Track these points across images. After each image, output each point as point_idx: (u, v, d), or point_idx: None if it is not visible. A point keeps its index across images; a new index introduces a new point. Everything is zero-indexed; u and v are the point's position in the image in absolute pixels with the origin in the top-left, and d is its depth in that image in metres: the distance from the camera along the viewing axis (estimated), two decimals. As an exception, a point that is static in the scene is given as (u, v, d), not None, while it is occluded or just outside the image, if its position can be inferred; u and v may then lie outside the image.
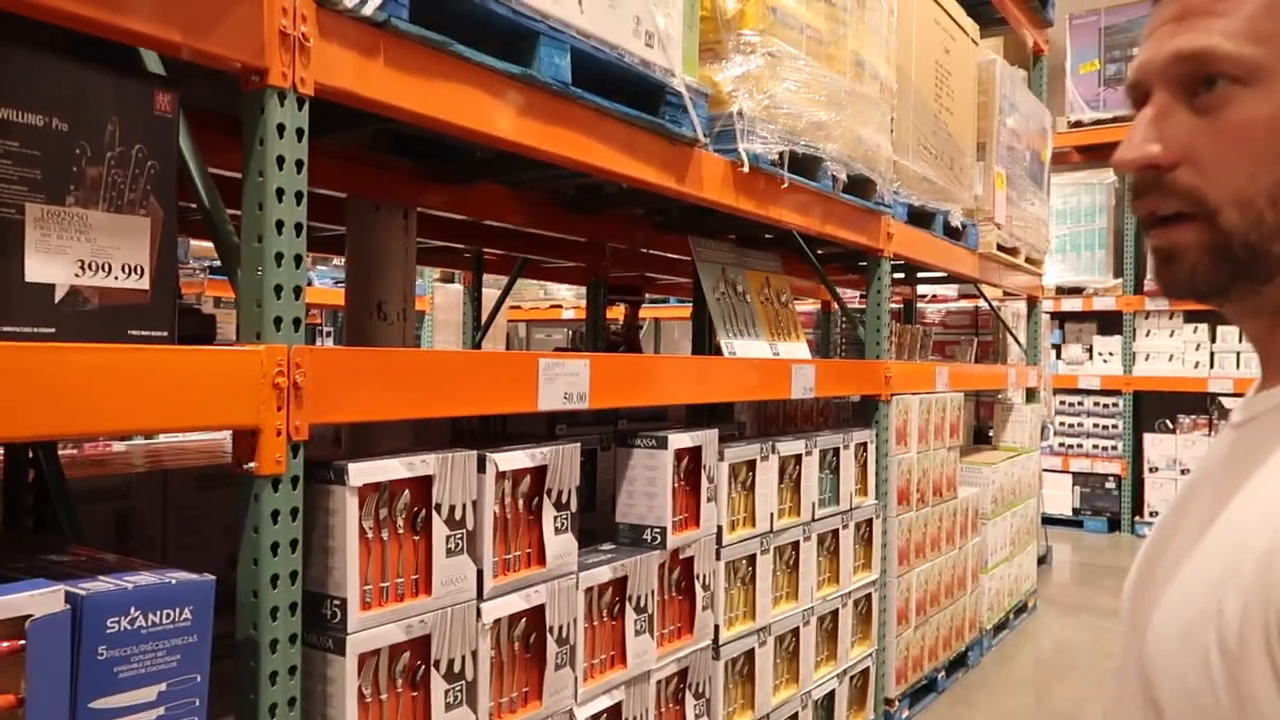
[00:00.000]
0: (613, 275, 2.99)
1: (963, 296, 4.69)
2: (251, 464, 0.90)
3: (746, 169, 1.58)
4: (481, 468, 1.14)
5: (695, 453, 1.54)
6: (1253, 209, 0.54)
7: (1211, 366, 5.02)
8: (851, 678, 2.15)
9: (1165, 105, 0.57)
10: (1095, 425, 5.36)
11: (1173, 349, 5.15)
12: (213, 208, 0.97)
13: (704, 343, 2.79)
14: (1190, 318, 5.13)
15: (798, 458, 1.89)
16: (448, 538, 1.10)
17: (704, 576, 1.56)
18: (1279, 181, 0.53)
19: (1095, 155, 5.25)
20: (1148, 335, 5.24)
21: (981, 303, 4.18)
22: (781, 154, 1.69)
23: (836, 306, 3.68)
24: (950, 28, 2.60)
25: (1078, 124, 5.41)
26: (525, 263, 3.00)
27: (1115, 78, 5.33)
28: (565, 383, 1.26)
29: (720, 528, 1.61)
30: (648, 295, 3.86)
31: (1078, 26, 5.46)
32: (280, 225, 0.91)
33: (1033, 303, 3.90)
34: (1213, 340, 5.05)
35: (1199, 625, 0.53)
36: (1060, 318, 5.48)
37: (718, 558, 1.61)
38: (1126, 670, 0.60)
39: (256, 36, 0.88)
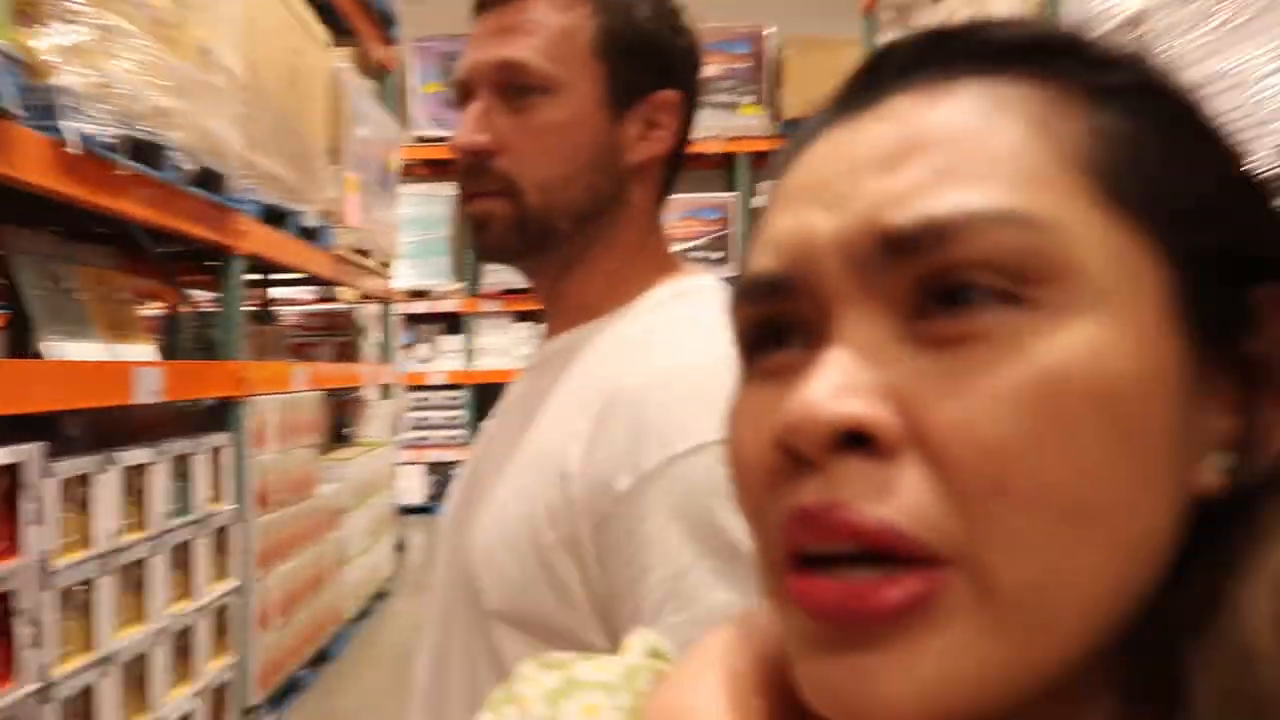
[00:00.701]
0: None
1: (321, 300, 4.75)
2: None
3: (76, 150, 1.42)
4: None
5: (12, 470, 1.34)
6: (547, 194, 0.71)
7: (535, 362, 5.83)
8: (213, 692, 2.06)
9: (489, 103, 0.72)
10: (443, 417, 5.85)
11: (506, 345, 5.86)
12: None
13: (26, 349, 2.40)
14: (520, 317, 5.89)
15: (143, 468, 1.75)
16: None
17: (28, 611, 1.37)
18: (565, 174, 0.71)
19: (439, 170, 5.72)
20: (485, 334, 5.88)
21: (339, 304, 4.29)
22: (120, 138, 1.55)
23: (187, 308, 3.45)
24: (301, 31, 2.63)
25: (423, 139, 5.83)
26: None
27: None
28: None
29: (47, 553, 1.43)
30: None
31: (422, 49, 5.87)
32: None
33: (386, 304, 4.12)
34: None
35: (516, 525, 0.67)
36: (411, 319, 5.86)
37: (46, 587, 1.42)
38: (450, 576, 0.74)
39: None
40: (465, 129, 0.71)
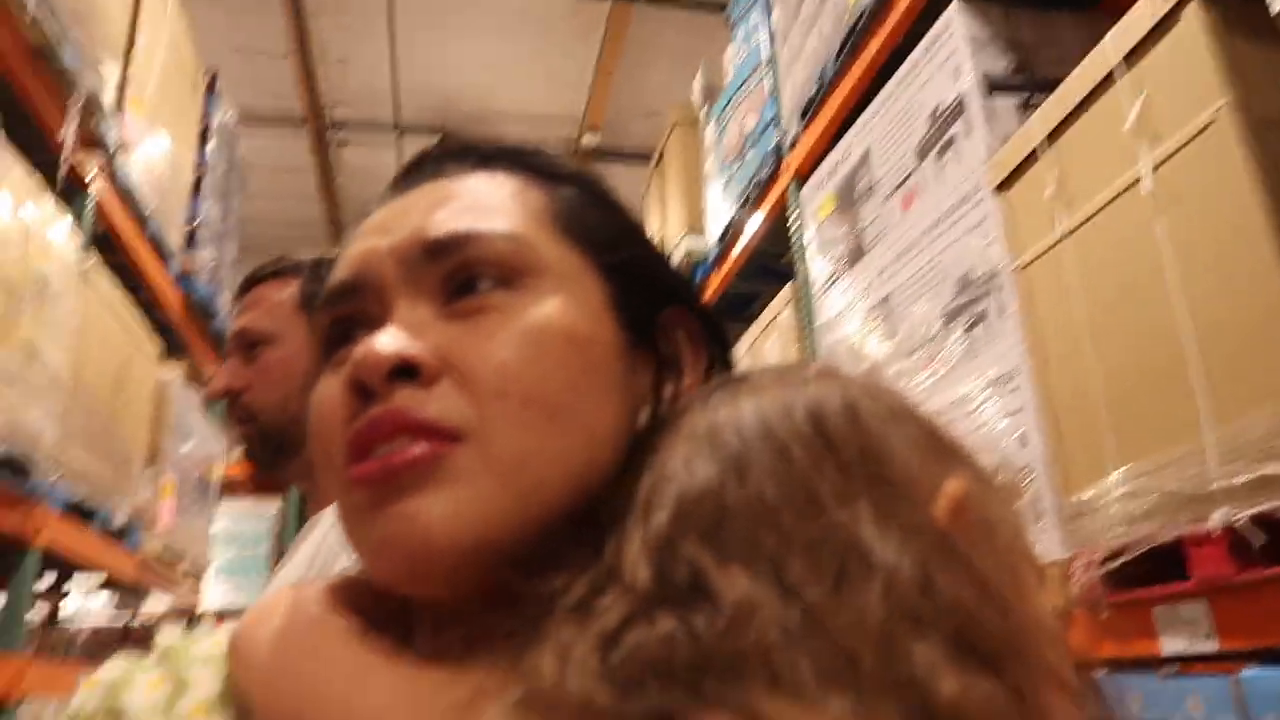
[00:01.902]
0: None
1: (119, 616, 4.45)
2: None
3: (-117, 425, 1.48)
4: None
5: None
6: (282, 413, 0.91)
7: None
8: None
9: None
10: None
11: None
12: None
13: None
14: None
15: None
16: None
17: None
18: (286, 396, 0.93)
19: (262, 486, 5.68)
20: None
21: (134, 621, 4.04)
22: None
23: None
24: (134, 344, 2.77)
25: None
26: None
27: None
28: None
29: None
30: None
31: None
32: None
33: (192, 621, 3.92)
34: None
35: None
36: (219, 645, 5.49)
37: None
38: None
39: None
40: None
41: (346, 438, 0.40)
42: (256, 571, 5.61)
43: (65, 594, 3.61)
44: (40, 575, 2.32)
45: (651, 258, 0.49)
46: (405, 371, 0.39)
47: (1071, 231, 1.27)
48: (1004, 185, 1.46)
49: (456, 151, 0.48)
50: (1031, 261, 1.37)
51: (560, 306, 0.42)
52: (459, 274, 0.42)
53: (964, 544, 0.35)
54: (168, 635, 0.46)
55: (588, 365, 0.42)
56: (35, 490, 2.09)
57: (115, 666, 0.44)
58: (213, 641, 0.44)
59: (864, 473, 0.35)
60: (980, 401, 1.51)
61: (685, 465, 0.37)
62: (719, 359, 0.49)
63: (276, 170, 6.10)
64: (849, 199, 2.19)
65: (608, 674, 0.31)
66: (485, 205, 0.44)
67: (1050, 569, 1.21)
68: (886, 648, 0.30)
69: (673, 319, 0.48)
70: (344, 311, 0.44)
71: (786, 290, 2.65)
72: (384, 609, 0.42)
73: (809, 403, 0.38)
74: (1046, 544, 1.26)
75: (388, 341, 0.39)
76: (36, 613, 3.03)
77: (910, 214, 1.88)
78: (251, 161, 4.53)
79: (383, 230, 0.44)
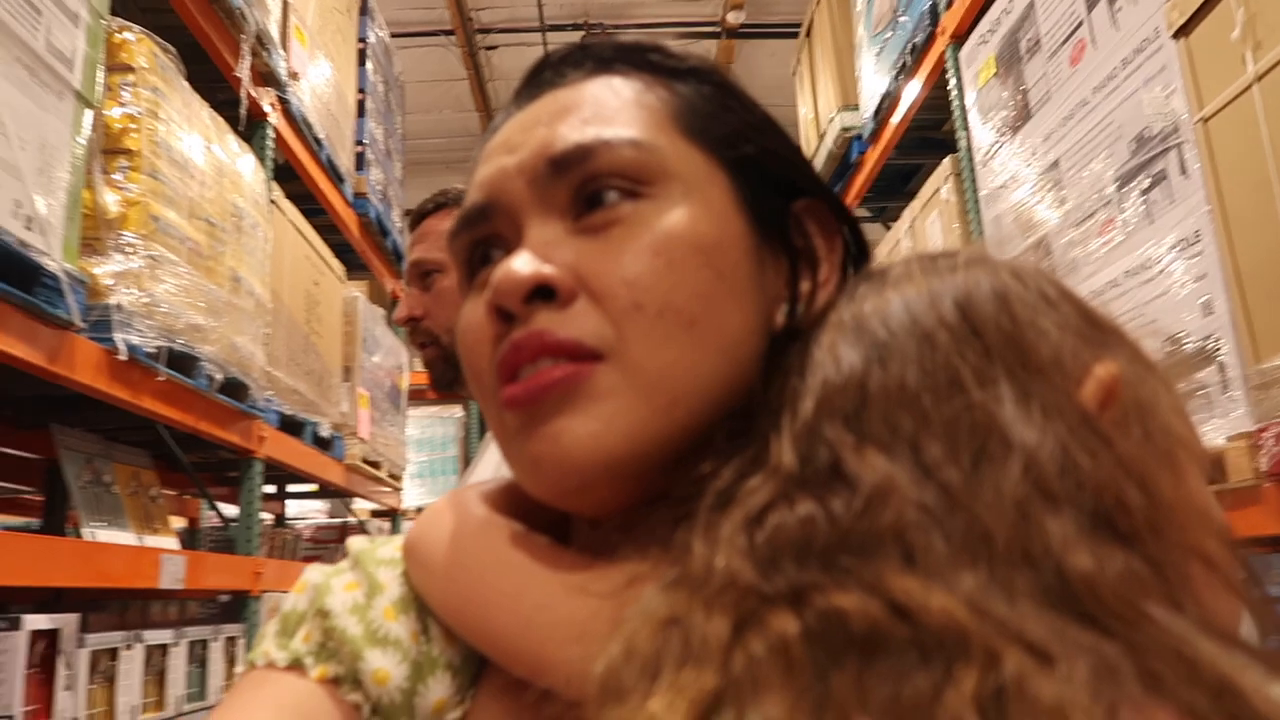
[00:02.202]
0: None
1: (332, 515, 4.92)
2: None
3: (124, 357, 1.68)
4: None
5: (52, 637, 1.49)
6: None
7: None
8: None
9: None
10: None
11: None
12: None
13: (63, 531, 2.56)
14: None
15: (165, 649, 1.88)
16: None
17: (54, 773, 1.48)
18: None
19: (446, 394, 6.04)
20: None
21: (350, 519, 4.45)
22: (159, 349, 1.81)
23: (203, 523, 3.63)
24: (320, 264, 2.98)
25: (433, 365, 6.21)
26: None
27: (462, 329, 6.30)
28: (-95, 553, 1.19)
29: None
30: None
31: (431, 284, 6.38)
32: None
33: (395, 519, 4.28)
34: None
35: None
36: (421, 537, 5.97)
37: (71, 752, 1.53)
38: None
39: None
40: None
41: (494, 361, 0.41)
42: (446, 473, 6.03)
43: (285, 499, 4.02)
44: (264, 484, 2.59)
45: (780, 149, 0.47)
46: (542, 293, 0.40)
47: (1261, 76, 1.16)
48: (1185, 29, 1.34)
49: (574, 57, 0.47)
50: (1216, 113, 1.26)
51: (688, 213, 0.41)
52: (586, 187, 0.42)
53: (1111, 425, 0.34)
54: (357, 542, 0.48)
55: (719, 271, 0.41)
56: (253, 407, 2.32)
57: (316, 572, 0.47)
58: (394, 546, 0.47)
59: (1008, 356, 0.35)
60: (1160, 268, 1.43)
61: (830, 354, 0.37)
62: (855, 249, 0.47)
63: (430, 83, 6.26)
64: (1012, 58, 2.05)
65: (751, 553, 0.32)
66: (607, 113, 0.43)
67: (1238, 440, 1.15)
68: (1021, 523, 0.30)
69: (805, 211, 0.46)
70: (480, 234, 0.44)
71: (947, 163, 2.54)
72: (544, 512, 0.43)
73: (957, 292, 0.38)
74: (1234, 415, 1.19)
75: (522, 265, 0.40)
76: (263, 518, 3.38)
77: (1080, 69, 1.75)
78: (406, 77, 4.66)
79: (509, 148, 0.44)
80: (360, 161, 3.50)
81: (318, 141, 2.96)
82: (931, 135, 3.36)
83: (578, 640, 0.36)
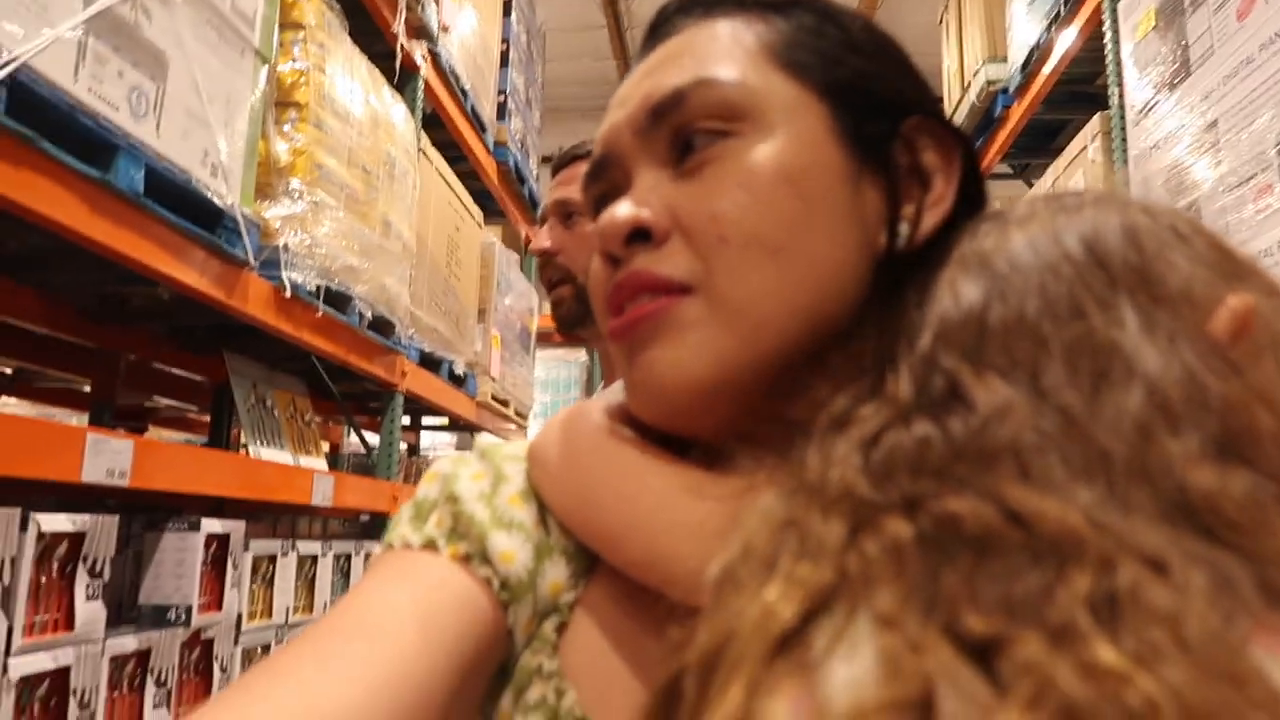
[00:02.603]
0: (121, 401, 2.90)
1: (458, 448, 5.16)
2: None
3: (289, 293, 1.83)
4: (24, 526, 1.20)
5: (224, 540, 1.67)
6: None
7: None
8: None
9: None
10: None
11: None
12: None
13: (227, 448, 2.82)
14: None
15: (314, 558, 2.06)
16: (-22, 594, 1.13)
17: (223, 659, 1.66)
18: None
19: (570, 337, 6.20)
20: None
21: (479, 453, 4.65)
22: (318, 287, 1.96)
23: (344, 449, 3.88)
24: (460, 210, 3.11)
25: (561, 310, 6.37)
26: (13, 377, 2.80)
27: (590, 276, 6.43)
28: (109, 459, 1.36)
29: (241, 615, 1.73)
30: (150, 426, 3.71)
31: (562, 230, 6.52)
32: None
33: (522, 454, 4.46)
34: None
35: None
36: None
37: (236, 643, 1.72)
38: None
39: None
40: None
41: (606, 300, 0.45)
42: (573, 412, 6.21)
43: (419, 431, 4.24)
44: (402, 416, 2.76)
45: (884, 69, 0.47)
46: (640, 235, 0.43)
47: None
48: (1363, -13, 1.26)
49: (685, 5, 0.48)
50: (1391, 77, 1.20)
51: (774, 145, 0.42)
52: (682, 132, 0.44)
53: (1242, 355, 0.34)
54: (485, 439, 0.52)
55: (805, 199, 0.42)
56: (397, 344, 2.48)
57: (445, 463, 0.50)
58: (519, 446, 0.50)
59: (1134, 286, 0.35)
60: (1319, 240, 1.36)
61: (950, 290, 0.37)
62: (970, 172, 0.46)
63: (570, 31, 6.33)
64: (1174, 10, 1.96)
65: (867, 469, 0.32)
66: (701, 56, 0.44)
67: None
68: (1141, 443, 0.30)
69: (916, 129, 0.46)
70: (602, 188, 0.47)
71: (1096, 120, 2.44)
72: (658, 432, 0.45)
73: (1083, 227, 0.37)
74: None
75: (620, 211, 0.43)
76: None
77: (1247, 24, 1.67)
78: (547, 26, 4.74)
79: (622, 103, 0.46)
80: (501, 111, 3.61)
81: (463, 92, 3.08)
82: (1081, 90, 3.22)
83: (692, 540, 0.37)
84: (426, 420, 4.06)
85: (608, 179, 0.47)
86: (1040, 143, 3.71)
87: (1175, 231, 0.38)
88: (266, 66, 1.72)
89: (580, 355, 6.24)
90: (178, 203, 1.49)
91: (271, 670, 0.37)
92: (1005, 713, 0.23)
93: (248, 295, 1.74)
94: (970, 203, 0.46)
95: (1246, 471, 0.30)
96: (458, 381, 3.12)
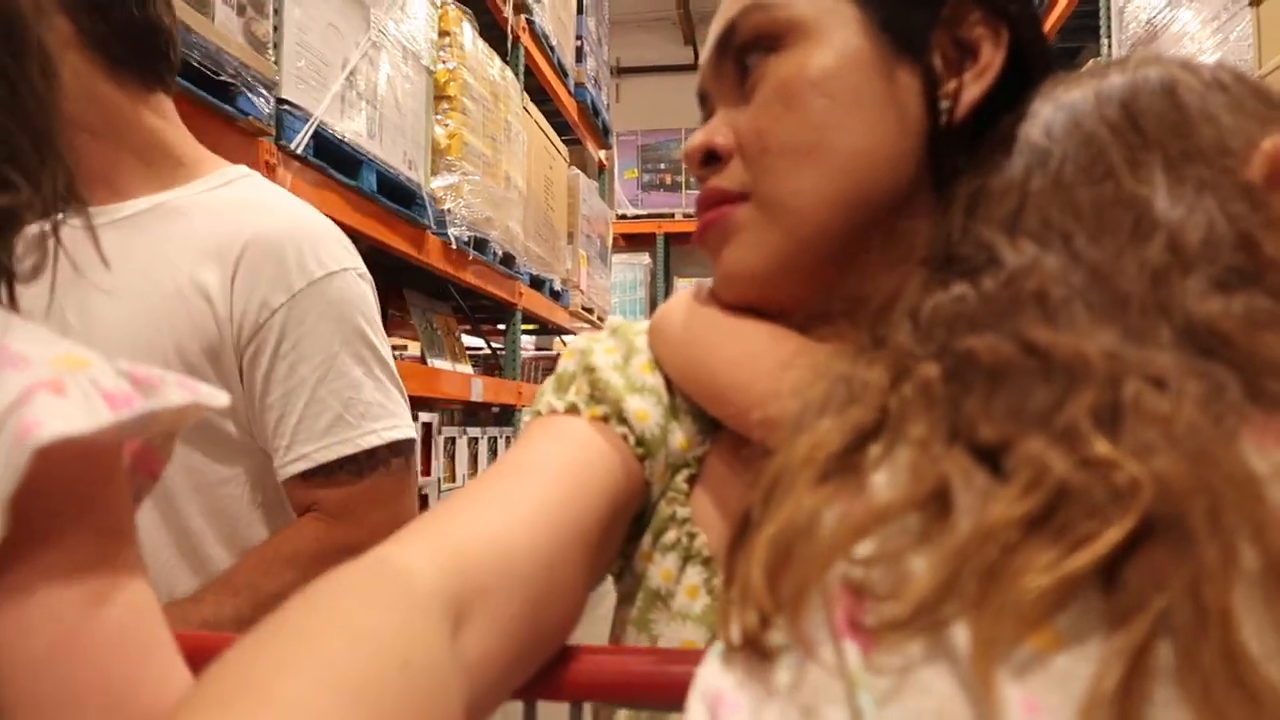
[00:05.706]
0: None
1: (539, 348, 5.83)
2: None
3: (454, 246, 2.45)
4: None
5: (428, 426, 2.35)
6: None
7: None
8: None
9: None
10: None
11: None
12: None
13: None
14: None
15: (476, 439, 2.76)
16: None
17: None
18: None
19: (636, 242, 6.76)
20: (677, 381, 6.74)
21: (552, 351, 5.31)
22: (471, 238, 2.58)
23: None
24: (553, 151, 3.68)
25: (622, 217, 6.90)
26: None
27: (649, 184, 6.92)
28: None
29: (439, 479, 2.43)
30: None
31: (623, 142, 6.97)
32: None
33: (601, 352, 5.11)
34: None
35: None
36: (615, 368, 6.80)
37: (438, 498, 2.42)
38: None
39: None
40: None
41: (695, 213, 0.51)
42: (635, 314, 6.80)
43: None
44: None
45: None
46: (712, 158, 0.48)
47: None
48: None
49: None
50: None
51: (804, 54, 0.45)
52: (740, 59, 0.47)
53: (1276, 194, 0.34)
54: (615, 319, 0.55)
55: (832, 98, 0.44)
56: (516, 272, 3.10)
57: (581, 339, 0.52)
58: (645, 324, 0.53)
59: (1167, 142, 0.36)
60: None
61: (993, 161, 0.39)
62: (1028, 38, 0.46)
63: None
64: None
65: (913, 331, 0.35)
66: None
67: None
68: (1156, 287, 0.31)
69: (958, 7, 0.46)
70: (706, 116, 0.52)
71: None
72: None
73: (1123, 90, 0.38)
74: None
75: (693, 140, 0.48)
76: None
77: None
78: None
79: (708, 41, 0.50)
80: (579, 54, 4.12)
81: (551, 49, 3.60)
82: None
83: (781, 397, 0.39)
84: (525, 327, 4.70)
85: (707, 109, 0.52)
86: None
87: (1217, 83, 0.38)
88: (432, 77, 2.30)
89: (644, 258, 6.81)
90: (392, 192, 2.11)
91: (451, 505, 0.42)
92: (1005, 494, 0.27)
93: (429, 250, 2.38)
94: (1033, 69, 0.46)
95: (1252, 293, 0.31)
96: (555, 296, 3.75)
